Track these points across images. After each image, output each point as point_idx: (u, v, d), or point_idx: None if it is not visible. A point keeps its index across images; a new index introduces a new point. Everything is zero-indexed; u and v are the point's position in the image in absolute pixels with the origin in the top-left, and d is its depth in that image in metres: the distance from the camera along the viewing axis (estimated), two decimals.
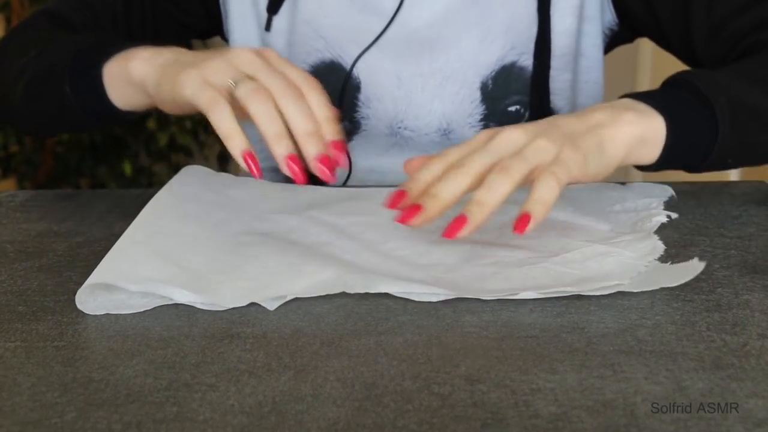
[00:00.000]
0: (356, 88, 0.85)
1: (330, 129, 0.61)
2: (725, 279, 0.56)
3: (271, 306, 0.53)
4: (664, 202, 0.69)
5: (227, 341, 0.49)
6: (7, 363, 0.47)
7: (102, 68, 0.70)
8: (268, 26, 0.86)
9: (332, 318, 0.52)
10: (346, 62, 0.85)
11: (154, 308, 0.53)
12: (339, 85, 0.84)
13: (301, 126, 0.59)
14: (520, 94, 0.84)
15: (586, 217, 0.66)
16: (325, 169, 0.59)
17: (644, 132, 0.61)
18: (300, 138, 0.59)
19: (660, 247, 0.59)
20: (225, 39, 0.92)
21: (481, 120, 0.84)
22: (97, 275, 0.54)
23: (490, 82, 0.83)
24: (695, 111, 0.63)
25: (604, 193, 0.70)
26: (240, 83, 0.60)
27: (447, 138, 0.85)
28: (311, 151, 0.59)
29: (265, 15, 0.86)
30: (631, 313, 0.51)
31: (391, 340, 0.48)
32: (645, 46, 2.38)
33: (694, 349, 0.47)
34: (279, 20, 0.86)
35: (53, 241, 0.66)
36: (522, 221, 0.54)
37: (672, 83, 0.66)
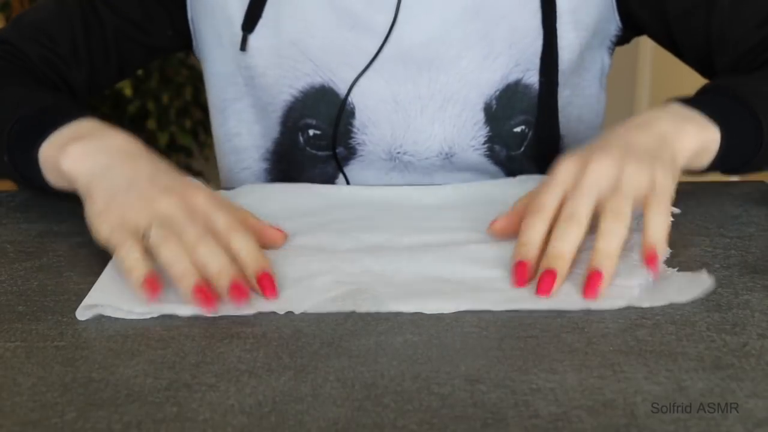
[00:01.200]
0: (351, 114, 0.80)
1: (254, 264, 0.55)
2: (725, 279, 0.56)
3: (281, 310, 0.53)
4: None
5: (227, 341, 0.49)
6: (7, 363, 0.47)
7: (38, 149, 0.66)
8: (243, 45, 0.80)
9: (332, 318, 0.51)
10: (338, 86, 0.79)
11: None
12: (333, 112, 0.80)
13: (210, 266, 0.54)
14: (525, 114, 0.79)
15: None
16: (238, 299, 0.52)
17: (702, 145, 0.63)
18: (212, 278, 0.53)
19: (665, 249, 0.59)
20: (196, 56, 0.88)
21: (485, 142, 0.80)
22: (95, 297, 0.54)
23: (494, 102, 0.78)
24: (744, 121, 0.65)
25: None
26: (153, 232, 0.56)
27: (449, 161, 0.81)
28: (222, 284, 0.53)
29: (240, 33, 0.80)
30: (631, 313, 0.51)
31: (391, 340, 0.48)
32: (645, 45, 2.38)
33: (694, 349, 0.47)
34: (257, 39, 0.80)
35: (53, 241, 0.66)
36: (652, 263, 0.53)
37: (714, 90, 0.67)
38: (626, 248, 0.58)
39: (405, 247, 0.61)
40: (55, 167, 0.65)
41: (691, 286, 0.54)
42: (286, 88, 0.81)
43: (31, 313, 0.53)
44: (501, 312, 0.52)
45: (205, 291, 0.53)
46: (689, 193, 0.75)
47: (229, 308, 0.53)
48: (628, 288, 0.53)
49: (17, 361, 0.47)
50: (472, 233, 0.64)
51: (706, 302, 0.52)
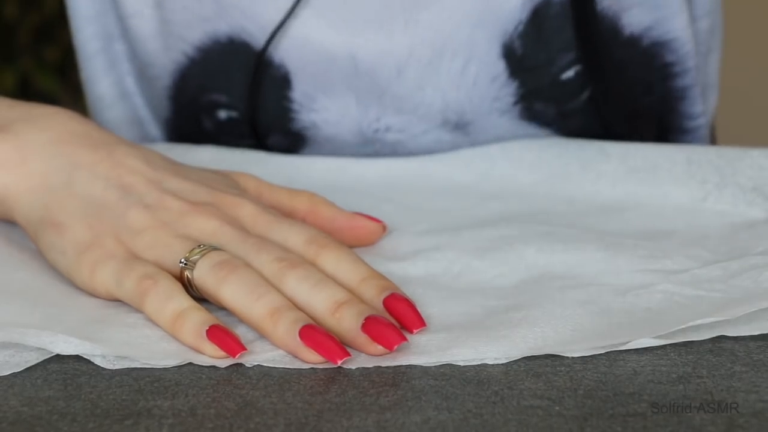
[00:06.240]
0: (282, 81, 0.67)
1: (373, 287, 0.47)
2: None
3: (222, 363, 0.45)
4: None
5: (130, 423, 0.40)
6: None
7: None
8: None
9: (305, 382, 0.43)
10: (257, 38, 0.66)
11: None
12: (247, 79, 0.68)
13: (315, 300, 0.46)
14: (571, 50, 0.68)
15: (722, 194, 0.60)
16: (382, 347, 0.44)
17: None
18: (327, 320, 0.45)
19: None
20: None
21: (517, 102, 0.68)
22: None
23: (517, 43, 0.67)
24: None
25: (734, 160, 0.61)
26: (199, 261, 0.47)
27: (463, 132, 0.69)
28: (350, 323, 0.45)
29: None
30: None
31: (403, 420, 0.40)
32: None
33: None
34: None
35: None
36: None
37: None
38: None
39: (417, 263, 0.55)
40: None
41: None
42: (174, 43, 0.68)
43: None
44: (584, 371, 0.44)
45: (314, 333, 0.44)
46: None
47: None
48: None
49: None
50: (526, 227, 0.58)
51: None
